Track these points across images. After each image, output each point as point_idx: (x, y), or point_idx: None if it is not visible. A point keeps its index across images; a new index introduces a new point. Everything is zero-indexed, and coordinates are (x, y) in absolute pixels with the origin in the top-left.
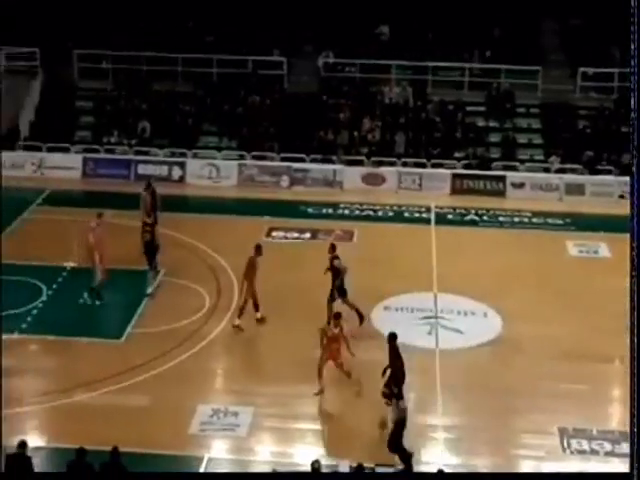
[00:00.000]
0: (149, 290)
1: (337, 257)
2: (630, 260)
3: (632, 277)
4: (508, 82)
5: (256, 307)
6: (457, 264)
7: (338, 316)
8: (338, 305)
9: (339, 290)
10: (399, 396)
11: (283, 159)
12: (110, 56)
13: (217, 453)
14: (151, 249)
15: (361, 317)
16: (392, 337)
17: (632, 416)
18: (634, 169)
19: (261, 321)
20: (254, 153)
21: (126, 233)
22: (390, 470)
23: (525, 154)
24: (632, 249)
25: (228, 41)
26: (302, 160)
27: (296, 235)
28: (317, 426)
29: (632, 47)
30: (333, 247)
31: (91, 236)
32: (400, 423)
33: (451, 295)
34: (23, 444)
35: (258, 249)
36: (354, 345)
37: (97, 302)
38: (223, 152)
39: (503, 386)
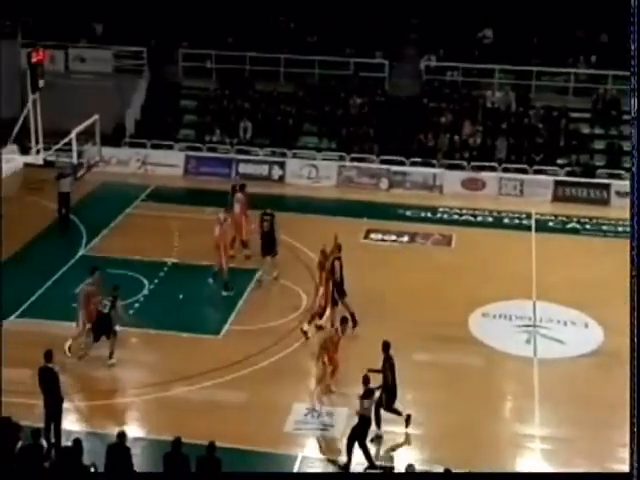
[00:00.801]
0: (275, 274)
1: (339, 258)
2: (630, 260)
3: (632, 277)
4: (615, 88)
5: (323, 313)
6: (557, 272)
7: (345, 321)
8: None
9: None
10: (365, 395)
11: (382, 161)
12: (214, 56)
13: (311, 452)
14: (270, 239)
15: (355, 321)
16: (385, 346)
17: (632, 416)
18: (634, 169)
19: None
20: (353, 155)
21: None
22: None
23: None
24: (632, 249)
25: (330, 43)
26: (401, 163)
27: (394, 238)
28: (411, 430)
29: (632, 47)
30: (339, 248)
31: (217, 229)
32: (361, 422)
33: (551, 304)
34: (122, 435)
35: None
36: None
37: (226, 293)
38: (323, 153)
39: (603, 398)
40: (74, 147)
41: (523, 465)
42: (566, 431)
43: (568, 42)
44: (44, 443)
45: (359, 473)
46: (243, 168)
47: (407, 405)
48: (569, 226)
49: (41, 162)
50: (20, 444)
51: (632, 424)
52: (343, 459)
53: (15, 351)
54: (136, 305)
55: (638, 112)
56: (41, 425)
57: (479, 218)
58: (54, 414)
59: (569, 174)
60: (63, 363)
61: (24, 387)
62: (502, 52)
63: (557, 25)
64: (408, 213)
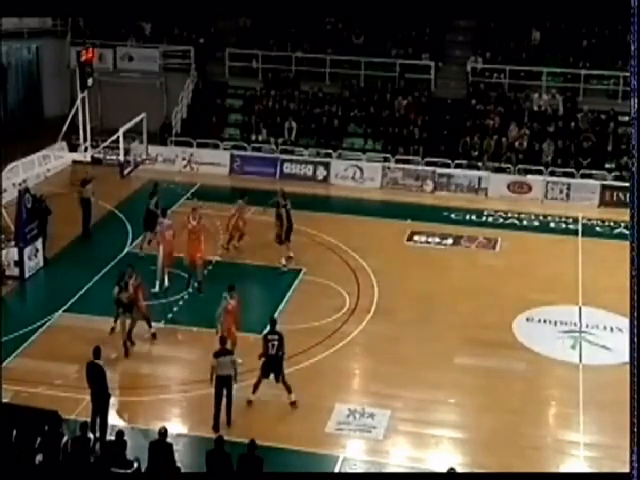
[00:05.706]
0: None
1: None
2: (630, 260)
3: (632, 277)
4: None
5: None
6: (604, 278)
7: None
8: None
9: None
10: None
11: (427, 163)
12: (260, 56)
13: (352, 453)
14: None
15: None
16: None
17: (632, 416)
18: (634, 169)
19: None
20: (398, 156)
21: (269, 230)
22: None
23: None
24: (632, 249)
25: (376, 44)
26: (447, 165)
27: (438, 240)
28: (453, 433)
29: (632, 47)
30: (283, 195)
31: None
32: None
33: (597, 310)
34: (164, 431)
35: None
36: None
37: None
38: (367, 154)
39: None
40: (121, 145)
41: (567, 471)
42: (610, 438)
43: (617, 45)
44: (91, 436)
45: (391, 473)
46: (288, 168)
47: (449, 409)
48: (617, 231)
49: (89, 159)
50: (66, 437)
51: (632, 424)
52: (384, 460)
53: (61, 346)
54: (180, 302)
55: (638, 112)
56: (87, 419)
57: (525, 222)
58: (100, 409)
59: (617, 178)
60: (109, 359)
61: (69, 381)
62: (550, 55)
63: (606, 28)
64: (453, 216)
